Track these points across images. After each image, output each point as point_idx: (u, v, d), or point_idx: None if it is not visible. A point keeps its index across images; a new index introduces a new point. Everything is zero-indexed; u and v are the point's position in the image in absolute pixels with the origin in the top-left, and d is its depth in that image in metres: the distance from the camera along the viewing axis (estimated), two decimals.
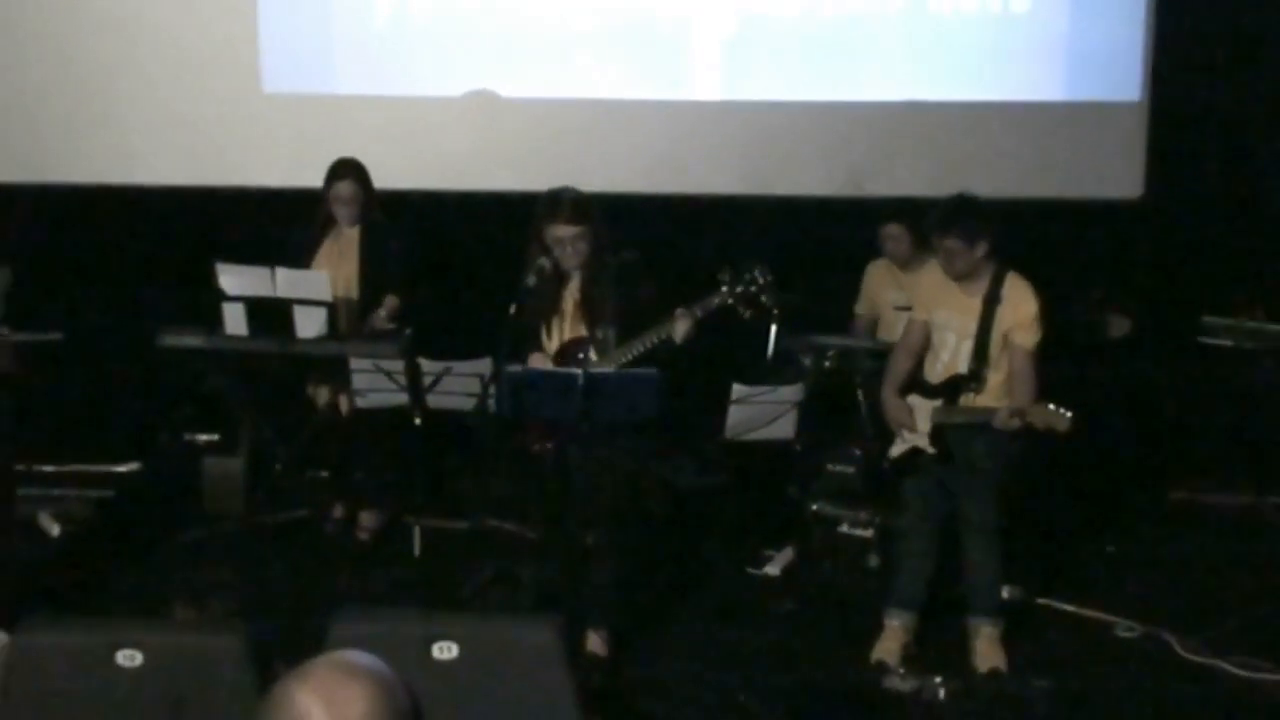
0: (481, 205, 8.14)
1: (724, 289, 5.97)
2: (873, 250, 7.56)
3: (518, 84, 8.29)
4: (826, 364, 7.16)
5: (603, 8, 8.25)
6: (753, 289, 5.96)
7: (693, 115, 8.32)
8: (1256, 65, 8.07)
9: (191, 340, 6.90)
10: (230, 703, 3.61)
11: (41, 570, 6.78)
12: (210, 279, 6.89)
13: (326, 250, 7.15)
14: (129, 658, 3.63)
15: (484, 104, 8.30)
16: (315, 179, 7.21)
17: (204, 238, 7.35)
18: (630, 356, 5.89)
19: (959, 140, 8.26)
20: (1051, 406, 5.71)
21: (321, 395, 7.24)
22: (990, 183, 7.84)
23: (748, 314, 5.98)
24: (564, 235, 5.99)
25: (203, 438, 7.90)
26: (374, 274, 7.12)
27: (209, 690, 3.64)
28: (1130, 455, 8.01)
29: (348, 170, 7.09)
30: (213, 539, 7.33)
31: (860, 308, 7.67)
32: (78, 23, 8.24)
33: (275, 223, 7.43)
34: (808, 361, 6.78)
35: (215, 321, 6.84)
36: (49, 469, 7.90)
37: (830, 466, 7.17)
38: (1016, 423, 5.76)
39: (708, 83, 8.30)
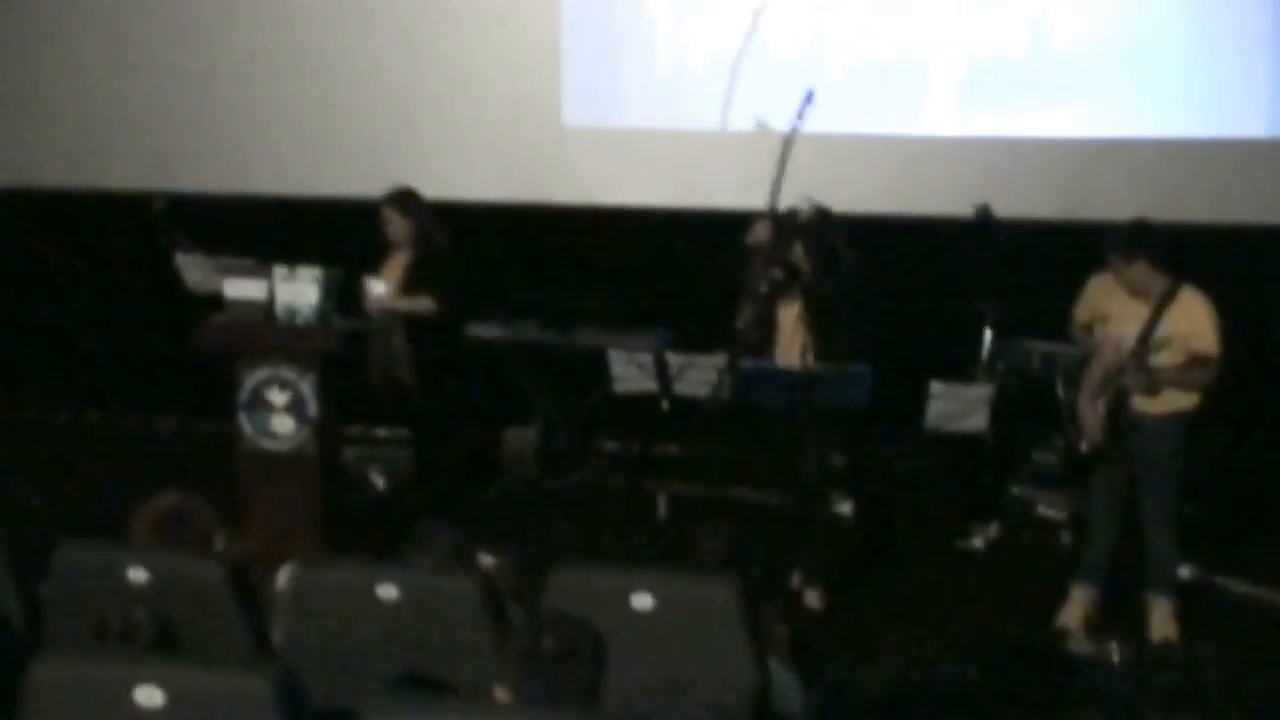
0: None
1: None
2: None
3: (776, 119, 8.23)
4: (1034, 365, 7.00)
5: (848, 55, 8.16)
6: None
7: (927, 148, 8.19)
8: None
9: (491, 331, 7.13)
10: (464, 632, 3.75)
11: (367, 516, 7.02)
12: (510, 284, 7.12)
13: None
14: (386, 592, 3.81)
15: (745, 136, 8.28)
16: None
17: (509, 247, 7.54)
18: None
19: (1164, 172, 7.93)
20: None
21: None
22: (1191, 210, 7.62)
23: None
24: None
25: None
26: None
27: (448, 620, 3.79)
28: None
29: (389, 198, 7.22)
30: (508, 498, 7.52)
31: (1080, 314, 7.38)
32: (413, 70, 8.53)
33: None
34: (1001, 365, 6.62)
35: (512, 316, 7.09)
36: (382, 433, 8.16)
37: (1034, 455, 7.02)
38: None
39: (942, 119, 8.18)
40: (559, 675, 3.06)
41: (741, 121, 8.29)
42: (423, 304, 7.07)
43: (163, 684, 2.95)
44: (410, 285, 7.11)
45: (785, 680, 3.97)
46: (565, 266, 7.97)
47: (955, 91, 8.14)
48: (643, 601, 3.70)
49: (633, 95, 8.44)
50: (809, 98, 6.47)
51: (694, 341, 6.55)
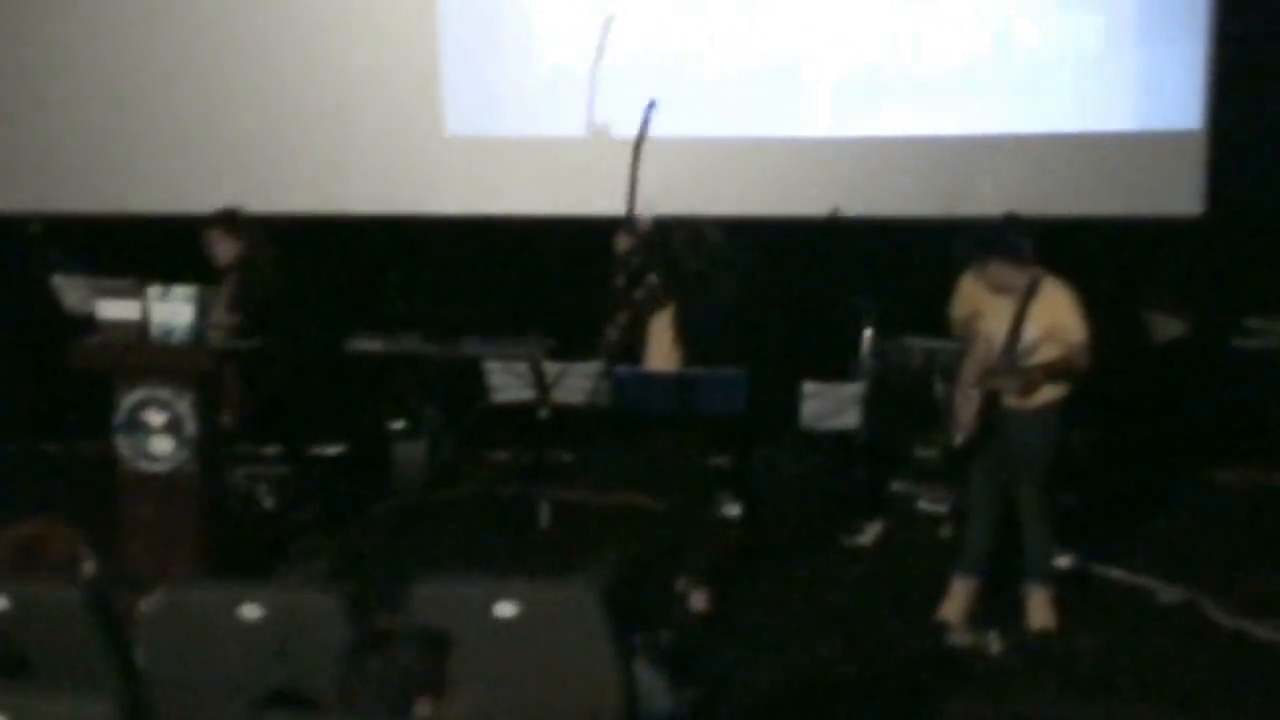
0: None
1: None
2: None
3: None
4: (913, 361, 7.09)
5: (725, 59, 8.21)
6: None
7: (805, 149, 8.27)
8: None
9: (373, 344, 7.10)
10: (326, 649, 3.73)
11: (254, 534, 6.94)
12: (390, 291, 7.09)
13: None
14: (250, 611, 3.79)
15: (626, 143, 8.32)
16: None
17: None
18: None
19: (1038, 167, 8.07)
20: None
21: None
22: (1065, 204, 7.75)
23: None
24: None
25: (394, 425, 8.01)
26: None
27: (312, 638, 3.77)
28: (1186, 441, 7.77)
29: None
30: (397, 511, 7.48)
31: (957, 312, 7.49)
32: (292, 83, 8.48)
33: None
34: (877, 362, 6.71)
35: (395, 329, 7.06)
36: (270, 451, 8.08)
37: (915, 451, 7.11)
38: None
39: (817, 121, 8.25)
40: (371, 689, 3.08)
41: (623, 128, 8.32)
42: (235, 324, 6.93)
43: (6, 712, 2.92)
44: (235, 306, 6.98)
45: (652, 683, 4.00)
46: (446, 277, 7.92)
47: (831, 93, 8.20)
48: (506, 610, 3.71)
49: (514, 103, 8.43)
50: (652, 105, 6.68)
51: (575, 349, 6.56)
